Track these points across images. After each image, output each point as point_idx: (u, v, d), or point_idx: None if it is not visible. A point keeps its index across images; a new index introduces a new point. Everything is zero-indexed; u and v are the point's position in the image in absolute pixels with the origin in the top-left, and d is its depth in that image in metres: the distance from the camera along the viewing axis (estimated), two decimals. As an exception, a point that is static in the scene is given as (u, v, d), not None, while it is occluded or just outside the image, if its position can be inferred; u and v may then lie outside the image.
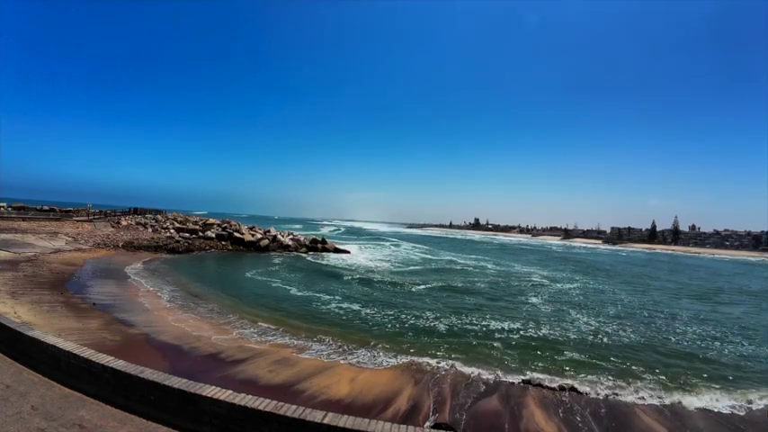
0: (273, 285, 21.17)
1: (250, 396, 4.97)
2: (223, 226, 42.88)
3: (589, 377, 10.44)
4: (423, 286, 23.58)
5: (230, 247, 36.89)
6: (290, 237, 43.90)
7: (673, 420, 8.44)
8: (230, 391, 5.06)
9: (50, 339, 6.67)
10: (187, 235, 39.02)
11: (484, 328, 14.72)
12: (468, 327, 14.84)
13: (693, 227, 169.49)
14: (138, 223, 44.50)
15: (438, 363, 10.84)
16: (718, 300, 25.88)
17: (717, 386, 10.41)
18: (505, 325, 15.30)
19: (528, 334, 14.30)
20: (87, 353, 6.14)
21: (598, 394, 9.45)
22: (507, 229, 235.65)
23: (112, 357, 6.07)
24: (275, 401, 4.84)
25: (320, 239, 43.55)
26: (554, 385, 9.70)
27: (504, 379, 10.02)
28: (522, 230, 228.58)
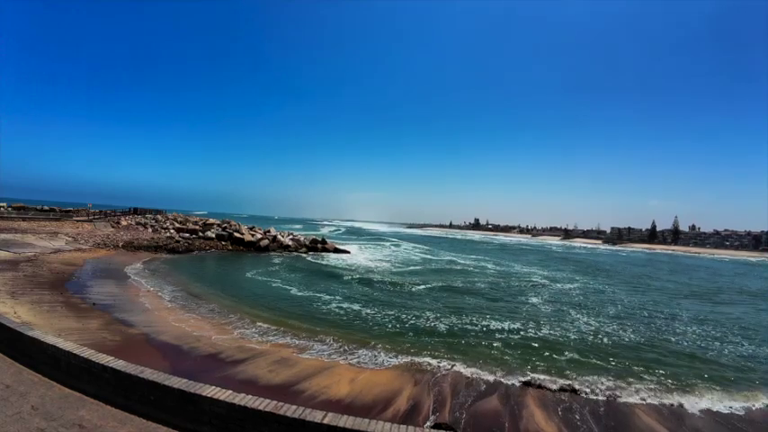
0: (274, 285, 21.17)
1: (250, 396, 4.97)
2: (223, 226, 42.88)
3: (589, 377, 10.43)
4: (423, 286, 23.58)
5: (230, 248, 36.89)
6: (290, 237, 43.90)
7: (673, 420, 8.44)
8: (230, 391, 5.06)
9: (50, 339, 6.67)
10: (187, 235, 39.02)
11: (484, 329, 14.72)
12: (469, 327, 14.84)
13: (693, 227, 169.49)
14: (138, 223, 44.50)
15: (438, 363, 10.84)
16: (718, 300, 25.87)
17: (717, 386, 10.41)
18: (506, 325, 15.30)
19: (528, 334, 14.30)
20: (87, 353, 6.14)
21: (598, 394, 9.45)
22: (507, 229, 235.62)
23: (112, 357, 6.07)
24: (275, 401, 4.84)
25: (320, 239, 43.55)
26: (554, 385, 9.69)
27: (505, 379, 10.01)
28: (522, 230, 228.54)
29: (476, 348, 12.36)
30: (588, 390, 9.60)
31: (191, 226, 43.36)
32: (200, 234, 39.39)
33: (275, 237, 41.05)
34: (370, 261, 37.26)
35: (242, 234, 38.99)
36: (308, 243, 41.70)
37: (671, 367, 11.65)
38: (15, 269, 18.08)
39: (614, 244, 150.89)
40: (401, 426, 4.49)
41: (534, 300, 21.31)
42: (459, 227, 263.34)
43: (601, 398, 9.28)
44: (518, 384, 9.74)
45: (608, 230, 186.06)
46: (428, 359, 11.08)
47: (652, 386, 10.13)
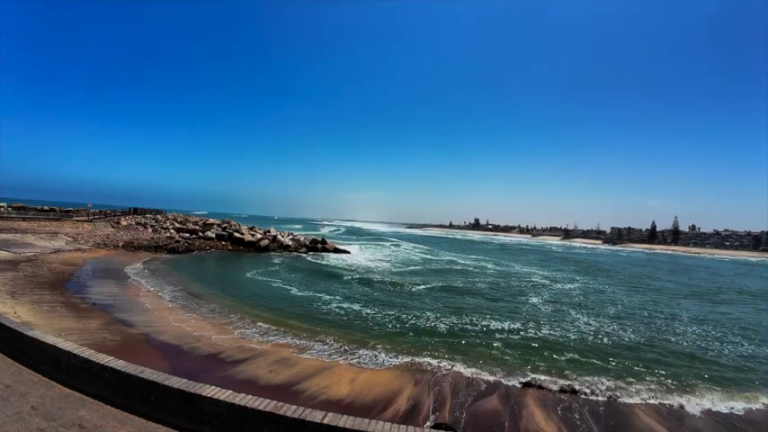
0: (274, 285, 21.17)
1: (250, 396, 4.97)
2: (223, 226, 42.89)
3: (589, 377, 10.43)
4: (423, 286, 23.58)
5: (230, 248, 36.89)
6: (290, 237, 43.90)
7: (673, 421, 8.44)
8: (230, 392, 5.06)
9: (50, 339, 6.67)
10: (187, 235, 39.02)
11: (484, 329, 14.72)
12: (469, 327, 14.84)
13: (693, 227, 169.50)
14: (138, 223, 44.50)
15: (438, 363, 10.84)
16: (718, 300, 25.87)
17: (717, 386, 10.41)
18: (506, 325, 15.30)
19: (528, 334, 14.30)
20: (87, 353, 6.14)
21: (598, 394, 9.45)
22: (507, 229, 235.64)
23: (112, 357, 6.07)
24: (275, 401, 4.84)
25: (320, 239, 43.55)
26: (554, 386, 9.69)
27: (505, 379, 10.01)
28: (522, 231, 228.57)
29: (476, 348, 12.36)
30: (588, 390, 9.60)
31: (191, 226, 43.36)
32: (200, 234, 39.39)
33: (275, 237, 41.05)
34: (370, 261, 37.26)
35: (242, 234, 38.99)
36: (307, 243, 41.70)
37: (671, 367, 11.65)
38: (15, 269, 18.08)
39: (614, 244, 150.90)
40: (401, 426, 4.49)
41: (534, 300, 21.30)
42: (459, 227, 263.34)
43: (601, 398, 9.28)
44: (518, 384, 9.74)
45: (608, 230, 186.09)
46: (428, 359, 11.08)
47: (652, 386, 10.13)
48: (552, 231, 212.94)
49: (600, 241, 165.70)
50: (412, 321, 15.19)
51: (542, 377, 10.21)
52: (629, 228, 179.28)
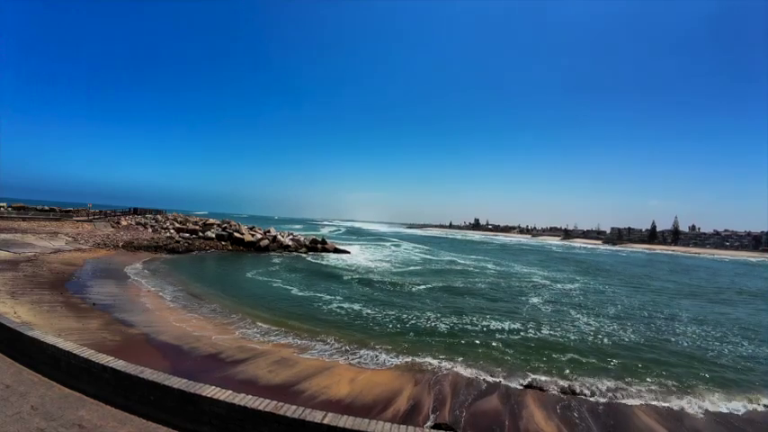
0: (274, 286, 21.17)
1: (250, 396, 4.97)
2: (223, 226, 42.88)
3: (589, 378, 10.43)
4: (423, 287, 23.58)
5: (230, 248, 36.89)
6: (290, 237, 43.90)
7: (672, 421, 8.44)
8: (230, 392, 5.06)
9: (50, 339, 6.67)
10: (187, 235, 39.01)
11: (484, 329, 14.71)
12: (469, 327, 14.83)
13: (693, 227, 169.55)
14: (138, 223, 44.51)
15: (438, 363, 10.84)
16: (718, 300, 25.86)
17: (717, 387, 10.40)
18: (506, 325, 15.30)
19: (528, 334, 14.30)
20: (87, 353, 6.14)
21: (598, 395, 9.44)
22: (507, 229, 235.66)
23: (112, 357, 6.07)
24: (275, 402, 4.83)
25: (320, 240, 43.55)
26: (554, 386, 9.70)
27: (504, 379, 10.01)
28: (521, 231, 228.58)
29: (476, 348, 12.36)
30: (588, 390, 9.60)
31: (191, 226, 43.36)
32: (201, 234, 39.39)
33: (275, 237, 41.05)
34: (371, 261, 37.26)
35: (242, 234, 38.99)
36: (307, 243, 41.70)
37: (671, 368, 11.64)
38: (15, 269, 18.09)
39: (614, 244, 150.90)
40: (401, 426, 4.49)
41: (534, 300, 21.30)
42: (459, 227, 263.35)
43: (601, 398, 9.28)
44: (518, 385, 9.74)
45: (608, 231, 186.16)
46: (428, 359, 11.08)
47: (652, 387, 10.13)
48: (552, 231, 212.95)
49: (600, 241, 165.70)
50: (412, 321, 15.19)
51: (542, 377, 10.21)
52: (629, 228, 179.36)
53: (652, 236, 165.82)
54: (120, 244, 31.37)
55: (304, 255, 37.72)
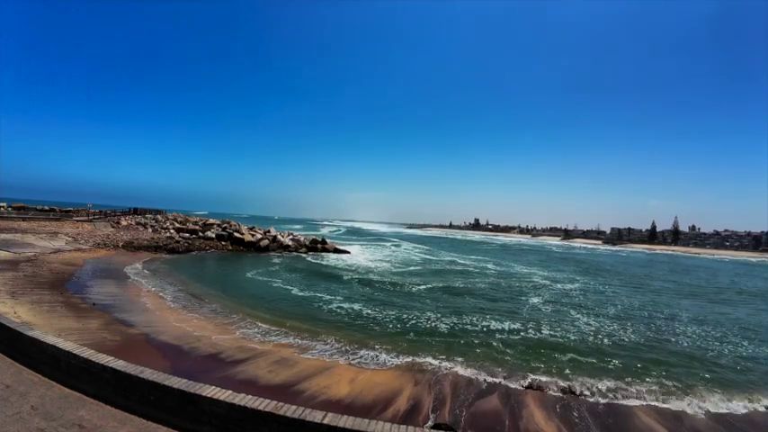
0: (274, 286, 21.17)
1: (250, 396, 4.97)
2: (223, 226, 42.89)
3: (589, 378, 10.43)
4: (423, 287, 23.58)
5: (230, 248, 36.89)
6: (290, 237, 43.91)
7: (672, 421, 8.44)
8: (230, 392, 5.06)
9: (50, 339, 6.67)
10: (187, 235, 39.02)
11: (485, 329, 14.71)
12: (469, 327, 14.83)
13: (693, 227, 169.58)
14: (138, 223, 44.51)
15: (439, 363, 10.84)
16: (718, 300, 25.87)
17: (717, 387, 10.40)
18: (506, 325, 15.30)
19: (528, 335, 14.30)
20: (87, 353, 6.14)
21: (598, 395, 9.44)
22: (507, 229, 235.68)
23: (112, 357, 6.07)
24: (275, 402, 4.83)
25: (320, 240, 43.56)
26: (554, 386, 9.70)
27: (504, 379, 10.01)
28: (521, 231, 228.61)
29: (476, 349, 12.36)
30: (588, 390, 9.60)
31: (191, 226, 43.36)
32: (200, 234, 39.39)
33: (275, 237, 41.05)
34: (371, 261, 37.26)
35: (242, 234, 38.99)
36: (307, 243, 41.70)
37: (671, 368, 11.64)
38: (15, 269, 18.09)
39: (614, 244, 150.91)
40: (401, 426, 4.49)
41: (534, 300, 21.30)
42: (459, 227, 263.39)
43: (600, 398, 9.28)
44: (518, 385, 9.74)
45: (608, 231, 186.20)
46: (428, 359, 11.08)
47: (652, 387, 10.12)
48: (552, 232, 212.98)
49: (600, 241, 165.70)
50: (412, 321, 15.19)
51: (542, 378, 10.21)
52: (629, 228, 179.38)
53: (652, 236, 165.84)
54: (120, 244, 31.37)
55: (304, 255, 37.72)
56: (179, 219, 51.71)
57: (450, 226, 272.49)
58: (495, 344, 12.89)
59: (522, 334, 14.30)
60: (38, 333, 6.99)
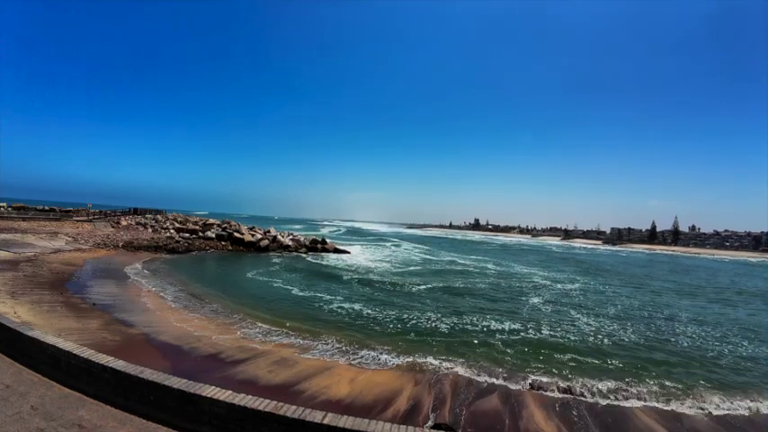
0: (274, 286, 21.16)
1: (250, 396, 4.97)
2: (223, 226, 42.89)
3: (589, 378, 10.42)
4: (423, 287, 23.57)
5: (230, 248, 36.89)
6: (290, 237, 43.91)
7: (672, 422, 8.43)
8: (230, 392, 5.06)
9: (50, 339, 6.67)
10: (187, 235, 39.01)
11: (485, 329, 14.71)
12: (469, 327, 14.83)
13: (693, 227, 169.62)
14: (138, 223, 44.51)
15: (439, 363, 10.83)
16: (717, 300, 25.86)
17: (717, 387, 10.40)
18: (506, 326, 15.30)
19: (528, 335, 14.29)
20: (87, 353, 6.14)
21: (598, 395, 9.44)
22: (507, 229, 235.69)
23: (112, 357, 6.07)
24: (275, 402, 4.83)
25: (320, 240, 43.55)
26: (554, 386, 9.69)
27: (504, 380, 10.01)
28: (522, 231, 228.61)
29: (476, 349, 12.36)
30: (588, 391, 9.60)
31: (191, 226, 43.36)
32: (200, 234, 39.38)
33: (275, 237, 41.05)
34: (371, 261, 37.26)
35: (242, 234, 38.99)
36: (307, 243, 41.70)
37: (671, 368, 11.64)
38: (15, 269, 18.08)
39: (614, 244, 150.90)
40: (401, 426, 4.49)
41: (535, 300, 21.30)
42: (459, 227, 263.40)
43: (600, 399, 9.28)
44: (518, 385, 9.73)
45: (608, 231, 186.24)
46: (428, 359, 11.08)
47: (652, 388, 10.12)
48: (552, 232, 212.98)
49: (600, 242, 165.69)
50: (412, 322, 15.19)
51: (542, 378, 10.21)
52: (629, 228, 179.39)
53: (652, 236, 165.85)
54: (120, 244, 31.37)
55: (304, 255, 37.71)
56: (179, 219, 51.71)
57: (450, 226, 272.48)
58: (495, 344, 12.89)
59: (522, 334, 14.30)
60: (38, 333, 6.99)
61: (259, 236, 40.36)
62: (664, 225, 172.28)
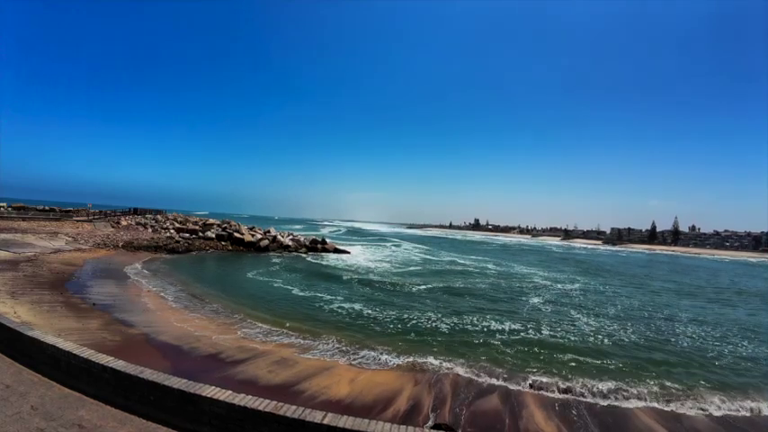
0: (275, 286, 21.17)
1: (250, 396, 4.97)
2: (223, 226, 42.89)
3: (589, 378, 10.42)
4: (424, 287, 23.58)
5: (230, 248, 36.89)
6: (290, 237, 43.91)
7: (672, 422, 8.43)
8: (230, 392, 5.06)
9: (50, 339, 6.67)
10: (187, 235, 39.01)
11: (485, 329, 14.71)
12: (469, 327, 14.83)
13: (693, 227, 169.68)
14: (137, 223, 44.52)
15: (439, 363, 10.83)
16: (717, 300, 25.86)
17: (717, 388, 10.39)
18: (506, 326, 15.29)
19: (529, 335, 14.29)
20: (87, 353, 6.14)
21: (598, 395, 9.44)
22: (507, 229, 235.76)
23: (112, 357, 6.07)
24: (275, 402, 4.83)
25: (320, 240, 43.56)
26: (554, 386, 9.69)
27: (505, 380, 10.01)
28: (522, 231, 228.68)
29: (476, 349, 12.36)
30: (588, 391, 9.60)
31: (191, 226, 43.36)
32: (200, 234, 39.38)
33: (275, 237, 41.06)
34: (371, 261, 37.26)
35: (242, 234, 39.00)
36: (307, 243, 41.71)
37: (671, 368, 11.64)
38: (15, 269, 18.09)
39: (614, 244, 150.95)
40: (401, 426, 4.49)
41: (535, 300, 21.30)
42: (459, 227, 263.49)
43: (600, 399, 9.28)
44: (518, 385, 9.73)
45: (608, 231, 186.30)
46: (428, 359, 11.07)
47: (652, 388, 10.11)
48: (552, 232, 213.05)
49: (600, 242, 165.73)
50: (413, 322, 15.19)
51: (542, 378, 10.21)
52: (629, 228, 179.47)
53: (652, 236, 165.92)
54: (120, 244, 31.37)
55: (304, 255, 37.72)
56: (179, 219, 51.72)
57: (451, 226, 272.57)
58: (495, 344, 12.89)
59: (522, 334, 14.30)
60: (38, 333, 6.99)
61: (259, 236, 40.37)
62: (664, 225, 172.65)
